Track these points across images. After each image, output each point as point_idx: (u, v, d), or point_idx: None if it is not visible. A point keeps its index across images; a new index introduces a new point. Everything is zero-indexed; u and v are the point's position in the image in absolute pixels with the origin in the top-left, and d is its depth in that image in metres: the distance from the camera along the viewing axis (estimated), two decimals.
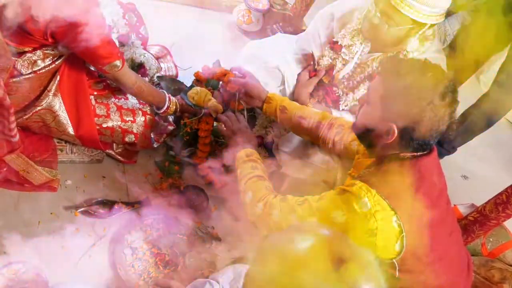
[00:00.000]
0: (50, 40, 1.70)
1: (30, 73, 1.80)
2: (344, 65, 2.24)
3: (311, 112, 2.02)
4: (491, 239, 2.41)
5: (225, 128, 2.06)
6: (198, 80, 2.27)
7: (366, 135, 1.55)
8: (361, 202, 1.42)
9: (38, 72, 1.81)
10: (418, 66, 1.44)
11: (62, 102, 1.89)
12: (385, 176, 1.46)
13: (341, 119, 1.98)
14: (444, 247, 1.55)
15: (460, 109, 2.71)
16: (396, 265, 1.48)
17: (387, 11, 1.93)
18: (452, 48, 2.81)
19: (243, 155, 1.84)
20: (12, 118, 1.74)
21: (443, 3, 1.90)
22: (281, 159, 2.35)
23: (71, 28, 1.62)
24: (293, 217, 1.56)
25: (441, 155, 2.84)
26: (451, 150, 2.83)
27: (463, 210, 2.41)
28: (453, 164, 2.87)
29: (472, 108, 2.76)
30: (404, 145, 1.45)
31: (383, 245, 1.44)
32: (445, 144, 2.79)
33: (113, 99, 2.03)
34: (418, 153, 1.46)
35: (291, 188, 2.31)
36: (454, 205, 2.45)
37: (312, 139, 2.04)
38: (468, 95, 3.02)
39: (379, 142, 1.49)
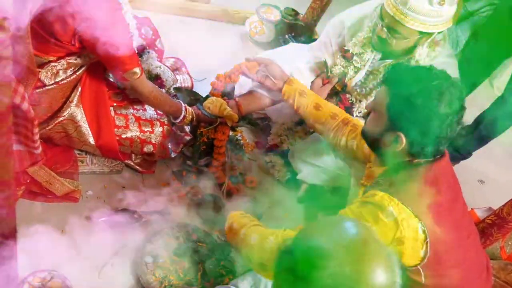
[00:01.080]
0: (77, 44, 1.75)
1: (53, 84, 1.86)
2: (356, 72, 2.27)
3: (328, 103, 2.04)
4: (510, 243, 2.40)
5: None
6: (215, 89, 2.31)
7: (375, 143, 1.56)
8: (387, 211, 1.41)
9: (60, 83, 1.87)
10: (423, 74, 1.44)
11: (83, 113, 1.94)
12: (402, 184, 1.46)
13: (357, 120, 2.00)
14: (463, 250, 1.55)
15: (474, 114, 2.75)
16: (421, 271, 1.48)
17: (392, 26, 1.96)
18: (464, 53, 2.83)
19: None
20: (36, 130, 1.79)
21: (446, 11, 1.91)
22: (297, 166, 2.38)
23: (98, 31, 1.67)
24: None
25: (457, 160, 2.86)
26: (467, 155, 2.83)
27: (480, 214, 2.41)
28: (469, 169, 2.87)
29: (486, 113, 2.76)
30: (414, 152, 1.45)
31: (410, 253, 1.44)
32: (460, 149, 2.79)
33: (131, 110, 2.08)
34: (430, 159, 1.46)
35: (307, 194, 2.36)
36: (471, 209, 2.44)
37: (324, 131, 2.02)
38: (481, 99, 3.03)
39: (389, 149, 1.49)
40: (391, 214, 1.41)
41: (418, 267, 1.48)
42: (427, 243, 1.43)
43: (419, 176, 1.46)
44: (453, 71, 2.10)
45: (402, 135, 1.44)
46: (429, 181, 1.45)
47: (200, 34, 2.99)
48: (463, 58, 2.79)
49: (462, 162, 2.87)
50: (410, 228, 1.42)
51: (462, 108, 1.44)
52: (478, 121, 2.74)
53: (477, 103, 2.97)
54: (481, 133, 2.77)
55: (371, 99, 2.22)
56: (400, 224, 1.41)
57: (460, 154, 2.82)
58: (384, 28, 2.00)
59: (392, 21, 1.95)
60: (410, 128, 1.41)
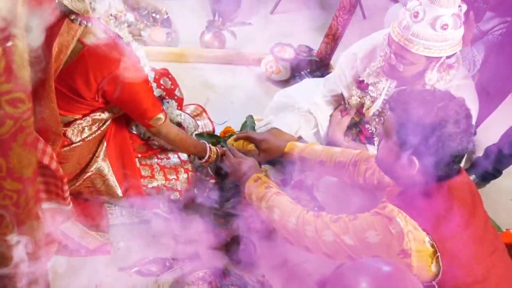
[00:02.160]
0: (100, 100, 1.82)
1: (79, 141, 1.93)
2: (372, 102, 2.28)
3: (330, 154, 2.06)
4: None
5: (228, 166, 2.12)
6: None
7: (389, 169, 1.59)
8: (394, 222, 1.45)
9: (86, 140, 1.94)
10: (427, 96, 1.47)
11: (110, 166, 2.00)
12: (413, 200, 1.49)
13: (363, 153, 2.01)
14: (486, 267, 1.51)
15: (499, 131, 2.71)
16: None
17: (399, 52, 2.00)
18: (482, 72, 2.81)
19: (252, 182, 1.91)
20: (66, 187, 1.85)
21: (451, 35, 1.92)
22: (323, 200, 2.37)
23: (120, 85, 1.74)
24: (328, 233, 1.59)
25: (487, 180, 2.80)
26: (497, 174, 2.78)
27: None
28: (500, 188, 2.81)
29: None
30: (428, 173, 1.47)
31: (419, 266, 1.44)
32: (489, 168, 2.75)
33: (156, 160, 2.13)
34: (444, 178, 1.48)
35: None
36: (507, 229, 2.38)
37: (341, 179, 2.08)
38: (506, 117, 2.99)
39: (403, 173, 1.52)
40: (398, 225, 1.44)
41: (433, 283, 1.47)
42: (437, 257, 1.42)
43: (431, 193, 1.48)
44: (470, 92, 2.11)
45: (415, 159, 1.46)
46: (441, 197, 1.46)
47: (217, 79, 3.07)
48: (482, 77, 2.78)
49: (492, 181, 2.81)
50: (416, 241, 1.43)
51: (470, 126, 1.45)
52: (505, 138, 2.70)
53: (502, 121, 2.93)
54: (509, 150, 2.72)
55: None
56: (406, 236, 1.42)
57: (489, 173, 2.77)
58: (392, 55, 2.03)
59: (398, 47, 1.98)
60: (422, 151, 1.43)
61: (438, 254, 1.43)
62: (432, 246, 1.43)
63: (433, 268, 1.45)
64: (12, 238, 0.99)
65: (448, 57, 2.01)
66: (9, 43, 0.71)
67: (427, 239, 1.43)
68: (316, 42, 3.26)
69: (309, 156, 2.09)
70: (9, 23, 0.70)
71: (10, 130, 0.79)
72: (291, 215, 1.71)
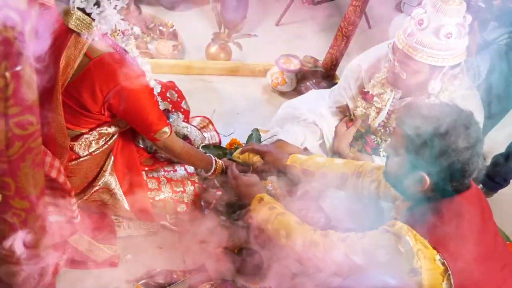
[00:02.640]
0: (106, 113, 1.83)
1: (86, 155, 1.94)
2: (378, 113, 2.29)
3: (332, 166, 2.05)
4: None
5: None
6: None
7: (399, 184, 1.57)
8: (403, 241, 1.43)
9: (93, 154, 1.96)
10: (435, 111, 1.45)
11: (117, 180, 2.02)
12: (423, 217, 1.46)
13: (367, 165, 1.99)
14: (497, 282, 1.51)
15: (506, 141, 2.70)
16: None
17: (403, 59, 2.01)
18: (487, 82, 2.81)
19: (255, 204, 1.91)
20: (73, 201, 1.87)
21: (455, 45, 1.93)
22: (330, 211, 2.37)
23: (126, 99, 1.76)
24: (336, 253, 1.58)
25: (494, 189, 2.79)
26: (503, 183, 2.76)
27: None
28: (508, 197, 2.79)
29: None
30: (438, 189, 1.46)
31: (430, 284, 1.43)
32: (496, 178, 2.74)
33: (162, 172, 2.15)
34: (454, 194, 1.46)
35: None
36: None
37: (345, 190, 2.07)
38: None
39: (413, 189, 1.50)
40: (407, 243, 1.42)
41: None
42: (449, 275, 1.41)
43: (441, 209, 1.46)
44: (475, 103, 2.11)
45: (425, 175, 1.44)
46: (451, 213, 1.45)
47: (223, 90, 3.09)
48: (487, 87, 2.78)
49: (500, 191, 2.80)
50: (426, 259, 1.41)
51: (480, 141, 1.43)
52: (511, 148, 2.69)
53: (508, 130, 2.93)
54: None
55: None
56: (416, 254, 1.41)
57: (496, 183, 2.76)
58: (396, 63, 2.04)
59: (402, 54, 2.00)
60: (431, 167, 1.41)
61: (450, 272, 1.41)
62: (443, 264, 1.41)
63: (445, 286, 1.43)
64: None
65: (452, 68, 2.02)
66: (18, 68, 0.73)
67: (437, 257, 1.41)
68: (321, 52, 3.28)
69: (311, 168, 2.08)
70: (18, 49, 0.72)
71: (19, 151, 0.81)
72: (297, 237, 1.69)
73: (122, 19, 1.72)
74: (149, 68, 1.93)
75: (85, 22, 1.64)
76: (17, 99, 0.77)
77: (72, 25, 1.63)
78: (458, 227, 1.43)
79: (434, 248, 1.41)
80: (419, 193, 1.49)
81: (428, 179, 1.44)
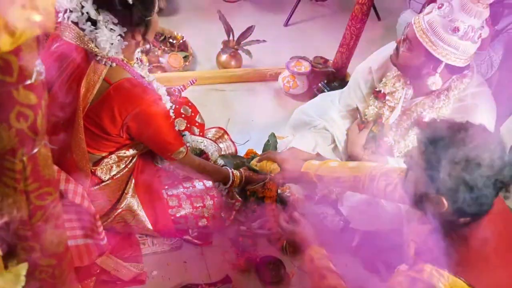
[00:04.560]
0: (124, 135, 1.89)
1: (108, 180, 2.01)
2: (391, 112, 2.30)
3: (345, 169, 2.05)
4: None
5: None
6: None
7: (417, 204, 1.46)
8: None
9: (115, 178, 2.03)
10: (460, 134, 1.33)
11: (139, 202, 2.09)
12: (450, 248, 1.36)
13: (379, 167, 1.96)
14: None
15: None
16: None
17: (408, 35, 2.02)
18: (501, 71, 2.78)
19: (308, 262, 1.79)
20: (99, 223, 1.95)
21: (464, 47, 1.94)
22: (348, 214, 2.40)
23: (143, 121, 1.83)
24: None
25: None
26: None
27: None
28: None
29: None
30: (460, 211, 1.33)
31: None
32: None
33: (182, 189, 2.21)
34: (477, 217, 1.36)
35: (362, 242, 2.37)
36: None
37: (361, 193, 2.06)
38: None
39: (433, 211, 1.38)
40: None
41: None
42: None
43: (468, 235, 1.37)
44: (486, 100, 2.11)
45: (443, 199, 1.33)
46: (478, 239, 1.35)
47: (236, 98, 3.13)
48: (501, 76, 2.75)
49: None
50: None
51: (506, 165, 1.30)
52: None
53: None
54: None
55: (408, 139, 2.24)
56: None
57: None
58: (402, 37, 2.06)
59: (411, 31, 2.02)
60: (451, 191, 1.31)
61: None
62: None
63: None
64: None
65: (456, 71, 2.01)
66: (35, 151, 0.79)
67: None
68: (333, 48, 3.26)
69: (324, 173, 2.11)
70: (35, 135, 0.78)
71: (41, 219, 0.88)
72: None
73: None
74: (165, 91, 1.99)
75: (84, 39, 1.69)
76: (35, 177, 0.83)
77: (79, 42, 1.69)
78: (489, 253, 1.34)
79: (470, 285, 1.30)
80: (439, 215, 1.38)
81: (445, 203, 1.32)
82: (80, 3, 1.64)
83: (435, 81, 2.05)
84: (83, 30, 1.68)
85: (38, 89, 0.78)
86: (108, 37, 1.69)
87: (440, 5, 1.94)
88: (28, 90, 0.75)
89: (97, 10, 1.65)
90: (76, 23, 1.68)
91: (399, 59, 2.11)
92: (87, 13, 1.65)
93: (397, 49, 2.12)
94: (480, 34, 1.93)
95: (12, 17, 0.58)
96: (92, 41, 1.69)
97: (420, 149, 1.39)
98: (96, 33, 1.67)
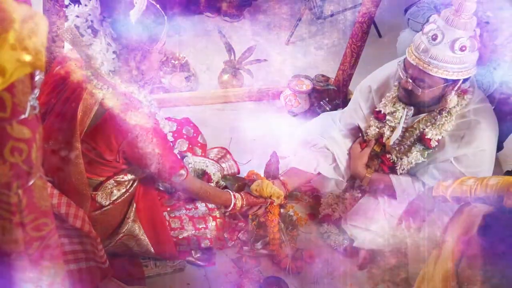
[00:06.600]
0: (121, 161, 1.88)
1: (109, 205, 2.01)
2: (392, 131, 2.30)
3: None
4: None
5: None
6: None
7: None
8: None
9: (116, 202, 2.02)
10: None
11: (141, 226, 2.08)
12: None
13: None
14: None
15: None
16: None
17: (417, 75, 2.02)
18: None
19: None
20: (100, 247, 1.95)
21: (468, 58, 1.95)
22: (352, 233, 2.39)
23: (140, 146, 1.80)
24: None
25: None
26: None
27: None
28: None
29: None
30: None
31: None
32: None
33: (184, 211, 2.20)
34: None
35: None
36: None
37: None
38: None
39: None
40: None
41: None
42: None
43: None
44: (488, 115, 2.12)
45: None
46: None
47: (238, 117, 3.14)
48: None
49: None
50: None
51: None
52: None
53: None
54: None
55: (411, 155, 2.23)
56: None
57: None
58: (409, 80, 2.05)
59: (416, 71, 2.02)
60: None
61: None
62: None
63: None
64: None
65: (463, 82, 2.03)
66: (30, 183, 0.80)
67: None
68: (333, 67, 3.27)
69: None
70: (30, 168, 0.79)
71: (38, 249, 0.88)
72: None
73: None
74: (162, 115, 1.99)
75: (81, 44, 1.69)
76: (31, 209, 0.84)
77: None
78: None
79: None
80: None
81: None
82: (89, 10, 1.65)
83: (452, 99, 2.07)
84: (82, 35, 1.68)
85: (32, 123, 0.79)
86: (102, 49, 1.69)
87: (434, 37, 1.94)
88: (22, 125, 0.76)
89: (101, 21, 1.66)
90: (78, 27, 1.68)
91: (420, 98, 2.09)
92: (91, 21, 1.66)
93: (408, 91, 2.10)
94: (475, 41, 1.94)
95: (2, 59, 0.59)
96: (88, 48, 1.70)
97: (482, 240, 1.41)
98: (94, 41, 1.68)
